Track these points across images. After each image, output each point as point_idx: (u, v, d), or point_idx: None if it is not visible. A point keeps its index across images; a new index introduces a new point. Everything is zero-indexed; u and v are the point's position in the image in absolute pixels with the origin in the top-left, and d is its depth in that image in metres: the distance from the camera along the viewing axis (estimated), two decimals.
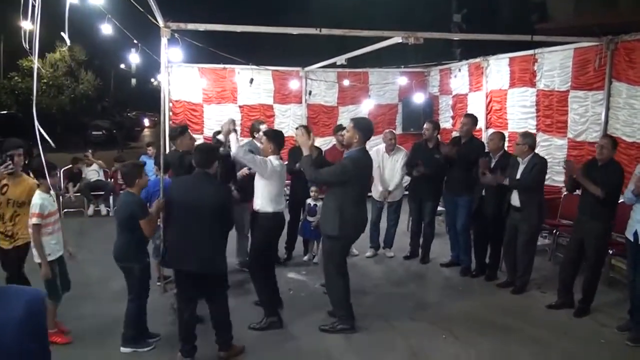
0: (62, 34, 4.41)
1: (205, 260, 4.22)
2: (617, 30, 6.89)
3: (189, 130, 6.05)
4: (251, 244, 5.58)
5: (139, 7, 5.34)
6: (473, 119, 6.81)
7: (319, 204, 6.57)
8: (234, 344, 4.48)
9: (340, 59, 8.33)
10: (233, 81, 10.70)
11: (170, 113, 9.78)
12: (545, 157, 6.45)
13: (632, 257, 4.94)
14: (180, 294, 4.40)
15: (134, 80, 45.53)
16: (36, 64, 3.21)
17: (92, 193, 10.06)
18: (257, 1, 22.59)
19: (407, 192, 7.46)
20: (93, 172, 10.26)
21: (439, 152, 6.77)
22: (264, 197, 5.04)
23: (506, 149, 6.63)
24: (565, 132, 7.64)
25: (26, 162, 7.23)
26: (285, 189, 6.28)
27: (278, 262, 6.55)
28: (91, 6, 5.81)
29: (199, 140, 8.12)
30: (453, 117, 10.70)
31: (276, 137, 5.22)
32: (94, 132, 25.43)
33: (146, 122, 34.85)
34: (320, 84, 11.21)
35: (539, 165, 5.81)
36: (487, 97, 9.53)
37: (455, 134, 9.18)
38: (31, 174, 4.77)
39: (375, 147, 7.42)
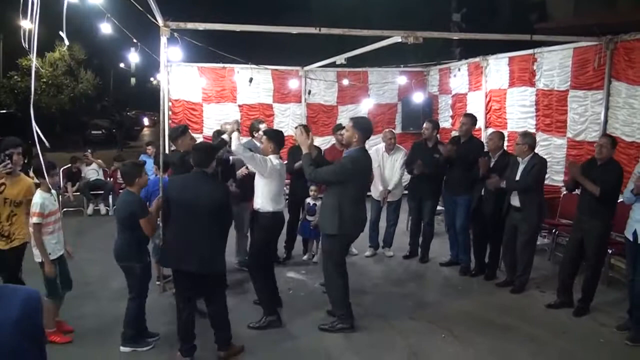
0: (61, 33, 4.41)
1: (203, 260, 4.21)
2: (616, 30, 6.89)
3: (189, 130, 6.04)
4: (251, 243, 5.59)
5: (138, 6, 5.33)
6: (472, 119, 6.82)
7: (319, 203, 6.57)
8: (233, 343, 4.48)
9: (340, 59, 8.34)
10: (232, 80, 10.69)
11: (170, 112, 9.77)
12: (545, 156, 6.46)
13: (631, 257, 4.94)
14: (178, 294, 4.39)
15: (133, 80, 45.44)
16: (34, 63, 3.21)
17: (91, 192, 10.07)
18: (256, 0, 22.56)
19: (406, 192, 7.46)
20: (92, 172, 10.26)
21: (438, 151, 6.77)
22: (264, 196, 5.04)
23: (505, 148, 6.64)
24: (564, 131, 7.64)
25: (25, 161, 7.23)
26: (285, 188, 6.28)
27: (277, 261, 6.57)
28: (90, 5, 5.80)
29: (199, 139, 8.10)
30: (452, 117, 10.69)
31: (276, 137, 5.22)
32: (93, 132, 25.44)
33: (146, 121, 34.80)
34: (319, 83, 11.21)
35: (539, 165, 5.81)
36: (486, 96, 9.53)
37: (454, 133, 9.19)
38: (31, 173, 4.76)
39: (375, 146, 7.43)
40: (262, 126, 6.37)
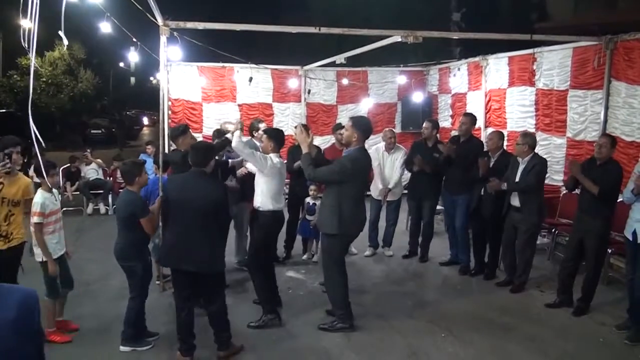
0: (60, 33, 4.40)
1: (203, 260, 4.21)
2: (616, 30, 6.90)
3: (190, 130, 6.05)
4: (250, 241, 5.59)
5: (138, 5, 5.33)
6: (472, 118, 6.81)
7: (318, 202, 6.57)
8: (232, 342, 4.48)
9: (340, 58, 8.33)
10: (232, 80, 10.70)
11: (170, 112, 9.77)
12: (544, 156, 6.46)
13: (631, 256, 4.95)
14: (178, 293, 4.39)
15: (133, 79, 45.41)
16: (33, 62, 3.20)
17: (91, 192, 10.06)
18: (256, 0, 22.56)
19: (406, 191, 7.46)
20: (92, 171, 10.26)
21: (438, 151, 6.77)
22: (264, 195, 5.04)
23: (505, 148, 6.64)
24: (564, 131, 7.64)
25: (25, 160, 7.22)
26: (285, 188, 6.28)
27: (277, 260, 6.57)
28: (90, 4, 5.79)
29: (199, 139, 8.10)
30: (452, 116, 10.70)
31: (276, 136, 5.23)
32: (93, 131, 25.45)
33: (145, 120, 34.83)
34: (319, 82, 11.21)
35: (539, 165, 5.80)
36: (486, 96, 9.53)
37: (454, 133, 9.19)
38: (31, 172, 4.75)
39: (375, 145, 7.44)
40: (262, 125, 6.37)
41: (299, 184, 6.93)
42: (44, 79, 21.82)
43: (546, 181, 6.74)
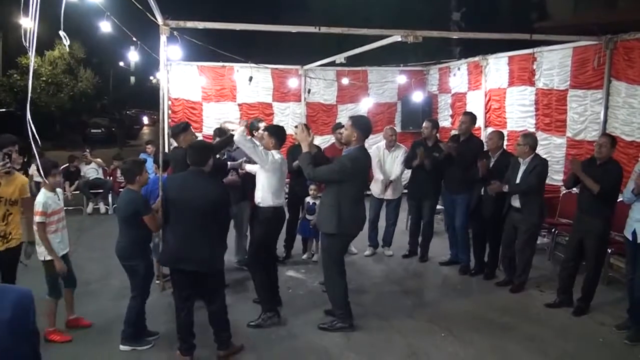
0: (61, 33, 4.40)
1: (202, 259, 4.21)
2: (616, 29, 6.90)
3: (191, 127, 6.06)
4: (251, 239, 5.60)
5: (137, 4, 5.33)
6: (472, 117, 6.81)
7: (318, 202, 6.56)
8: (232, 342, 4.48)
9: (340, 58, 8.33)
10: (232, 79, 10.70)
11: (170, 111, 9.79)
12: (544, 155, 6.47)
13: (631, 256, 4.95)
14: (177, 293, 4.38)
15: (133, 78, 45.38)
16: (32, 61, 3.20)
17: (91, 191, 10.06)
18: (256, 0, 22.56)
19: (406, 191, 7.46)
20: (92, 170, 10.26)
21: (438, 150, 6.77)
22: (265, 190, 5.05)
23: (505, 147, 6.63)
24: (564, 131, 7.64)
25: (25, 159, 7.20)
26: (284, 187, 6.28)
27: (277, 260, 6.56)
28: (90, 4, 5.79)
29: (199, 138, 8.11)
30: (452, 116, 10.70)
31: (277, 132, 5.24)
32: (93, 130, 25.48)
33: (145, 120, 34.80)
34: (319, 82, 11.21)
35: (540, 166, 5.80)
36: (486, 95, 9.53)
37: (454, 132, 9.19)
38: (30, 172, 4.76)
39: (376, 144, 7.45)
40: (262, 125, 6.37)
41: (299, 183, 6.94)
42: (44, 78, 21.82)
43: (546, 181, 6.74)
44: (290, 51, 13.84)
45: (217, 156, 5.89)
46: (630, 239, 4.88)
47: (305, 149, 4.89)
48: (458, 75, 10.34)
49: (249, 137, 6.41)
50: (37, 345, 1.83)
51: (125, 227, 4.48)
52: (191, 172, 4.36)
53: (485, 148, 6.64)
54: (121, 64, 36.65)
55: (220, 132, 6.29)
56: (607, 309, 5.46)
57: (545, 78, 7.98)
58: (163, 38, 5.77)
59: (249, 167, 5.84)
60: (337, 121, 10.16)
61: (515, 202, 5.92)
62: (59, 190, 4.79)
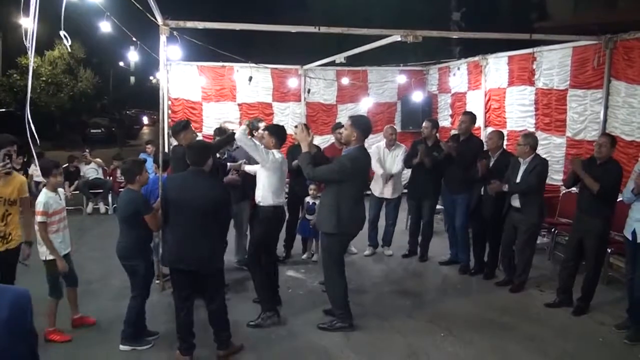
0: (62, 33, 4.40)
1: (202, 259, 4.22)
2: (616, 29, 6.90)
3: (191, 125, 6.07)
4: (251, 238, 5.60)
5: (137, 4, 5.33)
6: (471, 117, 6.81)
7: (318, 202, 6.57)
8: (232, 341, 4.48)
9: (339, 57, 8.33)
10: (232, 79, 10.70)
11: (169, 111, 9.79)
12: (544, 155, 6.47)
13: (630, 256, 4.95)
14: (177, 293, 4.38)
15: (133, 78, 45.37)
16: (32, 60, 3.20)
17: (90, 191, 10.07)
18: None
19: (405, 191, 7.46)
20: (92, 170, 10.25)
21: (437, 150, 6.77)
22: (265, 189, 5.05)
23: (505, 147, 6.63)
24: (563, 130, 7.65)
25: (25, 159, 7.19)
26: (284, 187, 6.29)
27: (277, 260, 6.57)
28: (90, 4, 5.79)
29: (199, 138, 8.12)
30: (452, 116, 10.70)
31: (278, 132, 5.25)
32: (93, 130, 25.48)
33: (145, 120, 34.79)
34: (319, 82, 11.20)
35: (540, 166, 5.80)
36: (485, 95, 9.54)
37: (454, 132, 9.19)
38: (30, 171, 4.76)
39: (376, 144, 7.45)
40: (262, 125, 6.37)
41: (299, 183, 6.94)
42: (44, 78, 21.82)
43: (546, 181, 6.74)
44: (290, 51, 13.84)
45: (218, 156, 5.90)
46: (630, 238, 4.88)
47: (304, 148, 4.89)
48: (458, 75, 10.34)
49: (249, 137, 6.44)
50: (34, 345, 1.82)
51: (126, 227, 4.48)
52: (191, 172, 4.36)
53: (485, 148, 6.64)
54: (121, 64, 36.64)
55: (220, 132, 6.29)
56: (607, 309, 5.46)
57: (545, 78, 7.98)
58: (163, 38, 5.77)
59: (248, 168, 5.84)
60: (337, 121, 10.16)
61: (515, 202, 5.92)
62: (60, 190, 4.80)
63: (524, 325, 5.14)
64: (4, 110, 17.88)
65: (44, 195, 4.54)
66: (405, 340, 4.82)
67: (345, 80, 11.10)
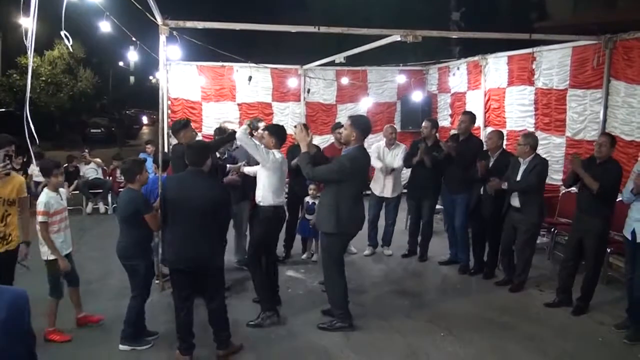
0: (63, 33, 4.40)
1: (201, 259, 4.22)
2: (615, 29, 6.91)
3: (191, 124, 6.07)
4: (251, 238, 5.60)
5: (137, 4, 5.33)
6: (471, 117, 6.81)
7: (318, 202, 6.57)
8: (232, 341, 4.48)
9: (339, 57, 8.33)
10: (231, 79, 10.69)
11: (169, 111, 9.79)
12: (544, 155, 6.46)
13: (630, 256, 4.95)
14: (177, 293, 4.38)
15: (132, 78, 45.39)
16: (31, 59, 3.20)
17: (90, 191, 10.06)
18: None
19: (405, 191, 7.47)
20: (91, 170, 10.25)
21: (437, 150, 6.77)
22: (266, 189, 5.05)
23: (504, 147, 6.63)
24: (563, 130, 7.65)
25: (24, 159, 7.19)
26: (284, 187, 6.29)
27: (277, 260, 6.57)
28: (90, 3, 5.79)
29: (198, 138, 8.12)
30: (451, 115, 10.70)
31: (278, 132, 5.25)
32: (92, 130, 25.48)
33: (145, 119, 34.80)
34: (318, 82, 11.20)
35: (540, 166, 5.80)
36: (485, 95, 9.54)
37: (453, 131, 9.19)
38: (29, 171, 4.75)
39: (376, 143, 7.45)
40: (261, 124, 6.37)
41: (298, 183, 6.94)
42: (44, 78, 21.83)
43: (546, 180, 6.75)
44: (290, 51, 13.85)
45: (218, 156, 5.91)
46: (630, 238, 4.88)
47: (304, 149, 4.89)
48: (457, 74, 10.34)
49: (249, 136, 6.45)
50: (32, 346, 1.82)
51: (126, 227, 4.48)
52: (190, 172, 4.36)
53: (485, 148, 6.64)
54: (121, 63, 36.68)
55: (221, 132, 6.30)
56: (607, 309, 5.46)
57: (545, 78, 7.98)
58: (162, 38, 5.77)
59: (247, 170, 5.84)
60: (337, 121, 10.16)
61: (515, 202, 5.92)
62: (61, 190, 4.80)
63: (523, 325, 5.15)
64: (3, 110, 17.88)
65: (45, 195, 4.55)
66: (405, 340, 4.82)
67: (344, 80, 11.10)
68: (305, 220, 7.00)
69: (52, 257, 4.55)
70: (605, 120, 6.84)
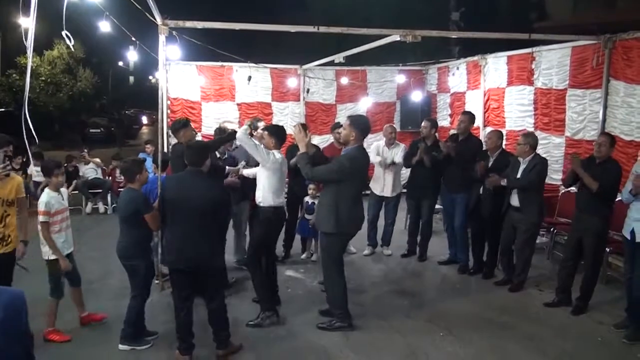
0: (65, 33, 4.39)
1: (200, 259, 4.22)
2: (615, 29, 6.91)
3: (190, 123, 6.07)
4: (251, 239, 5.60)
5: (136, 4, 5.33)
6: (470, 117, 6.82)
7: (317, 201, 6.57)
8: (231, 341, 4.48)
9: (339, 57, 8.33)
10: (231, 79, 10.69)
11: (169, 111, 9.80)
12: (543, 155, 6.45)
13: (629, 255, 4.95)
14: (177, 293, 4.38)
15: (132, 78, 45.38)
16: (30, 59, 3.20)
17: (90, 191, 10.06)
18: None
19: (405, 190, 7.47)
20: (91, 170, 10.25)
21: (436, 150, 6.77)
22: (266, 190, 5.05)
23: (504, 147, 6.63)
24: (562, 130, 7.65)
25: (23, 159, 7.17)
26: (284, 187, 6.29)
27: (276, 260, 6.57)
28: (89, 3, 5.79)
29: (198, 138, 8.13)
30: (451, 115, 10.70)
31: (277, 132, 5.25)
32: (92, 130, 25.48)
33: (144, 119, 34.80)
34: (318, 82, 11.20)
35: (540, 165, 5.80)
36: (484, 95, 9.54)
37: (453, 131, 9.19)
38: (29, 171, 4.75)
39: (375, 143, 7.45)
40: (261, 124, 6.38)
41: (298, 182, 6.93)
42: (43, 78, 21.82)
43: (545, 180, 6.75)
44: (289, 51, 13.85)
45: (218, 156, 5.91)
46: (629, 238, 4.88)
47: (302, 149, 4.89)
48: (457, 74, 10.34)
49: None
50: (30, 346, 1.82)
51: (126, 227, 4.48)
52: (189, 172, 4.36)
53: (484, 148, 6.64)
54: (120, 63, 36.69)
55: (221, 132, 6.30)
56: (606, 308, 5.47)
57: (544, 77, 7.99)
58: (162, 38, 5.77)
59: (246, 172, 5.84)
60: (336, 121, 10.16)
61: (515, 201, 5.92)
62: (63, 190, 4.80)
63: (523, 325, 5.15)
64: (3, 110, 17.87)
65: (46, 195, 4.55)
66: (404, 339, 4.83)
67: (344, 80, 11.09)
68: (305, 220, 7.00)
69: (53, 257, 4.55)
70: (604, 120, 6.85)
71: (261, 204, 5.10)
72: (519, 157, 5.96)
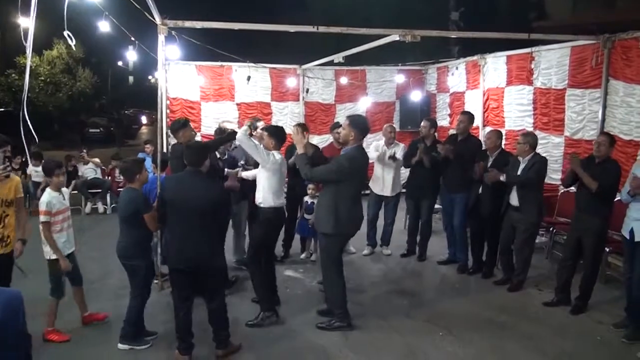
0: (67, 33, 4.40)
1: (200, 259, 4.22)
2: (614, 29, 6.91)
3: (190, 123, 6.07)
4: (251, 238, 5.60)
5: (136, 4, 5.33)
6: (470, 117, 6.82)
7: (316, 202, 6.57)
8: (231, 341, 4.48)
9: (338, 57, 8.34)
10: (230, 79, 10.68)
11: (168, 111, 9.79)
12: (542, 155, 6.46)
13: (628, 255, 4.95)
14: (176, 292, 4.38)
15: (131, 78, 45.35)
16: (29, 58, 3.20)
17: (89, 191, 10.06)
18: None
19: (404, 190, 7.47)
20: (90, 170, 10.24)
21: (436, 150, 6.77)
22: (266, 190, 5.05)
23: (503, 147, 6.64)
24: (562, 130, 7.65)
25: (23, 159, 7.16)
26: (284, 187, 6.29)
27: (276, 260, 6.57)
28: (89, 3, 5.79)
29: (197, 138, 8.13)
30: (450, 115, 10.71)
31: (277, 133, 5.24)
32: (91, 130, 25.50)
33: (144, 119, 34.82)
34: (317, 81, 11.20)
35: (539, 163, 5.80)
36: (484, 95, 9.54)
37: (452, 131, 9.19)
38: (28, 171, 4.75)
39: (375, 142, 7.45)
40: (260, 124, 6.38)
41: (297, 182, 6.93)
42: (42, 78, 21.81)
43: (545, 180, 6.75)
44: (289, 51, 13.83)
45: (218, 156, 5.91)
46: (628, 237, 4.88)
47: (300, 150, 4.90)
48: (456, 74, 10.34)
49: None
50: (28, 347, 1.82)
51: (126, 227, 4.48)
52: (188, 172, 4.36)
53: (484, 147, 6.64)
54: (120, 63, 36.67)
55: (221, 132, 6.31)
56: (605, 308, 5.47)
57: (543, 77, 7.99)
58: (161, 37, 5.77)
59: (245, 174, 5.84)
60: (335, 121, 10.15)
61: (514, 201, 5.92)
62: (64, 189, 4.81)
63: (522, 324, 5.15)
64: (2, 110, 17.86)
65: (47, 195, 4.55)
66: (403, 339, 4.83)
67: (343, 80, 11.09)
68: (304, 220, 7.00)
69: (54, 257, 4.55)
70: (603, 119, 6.85)
71: (261, 205, 5.09)
72: (518, 157, 5.96)
